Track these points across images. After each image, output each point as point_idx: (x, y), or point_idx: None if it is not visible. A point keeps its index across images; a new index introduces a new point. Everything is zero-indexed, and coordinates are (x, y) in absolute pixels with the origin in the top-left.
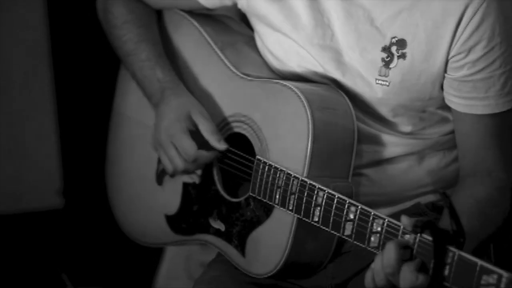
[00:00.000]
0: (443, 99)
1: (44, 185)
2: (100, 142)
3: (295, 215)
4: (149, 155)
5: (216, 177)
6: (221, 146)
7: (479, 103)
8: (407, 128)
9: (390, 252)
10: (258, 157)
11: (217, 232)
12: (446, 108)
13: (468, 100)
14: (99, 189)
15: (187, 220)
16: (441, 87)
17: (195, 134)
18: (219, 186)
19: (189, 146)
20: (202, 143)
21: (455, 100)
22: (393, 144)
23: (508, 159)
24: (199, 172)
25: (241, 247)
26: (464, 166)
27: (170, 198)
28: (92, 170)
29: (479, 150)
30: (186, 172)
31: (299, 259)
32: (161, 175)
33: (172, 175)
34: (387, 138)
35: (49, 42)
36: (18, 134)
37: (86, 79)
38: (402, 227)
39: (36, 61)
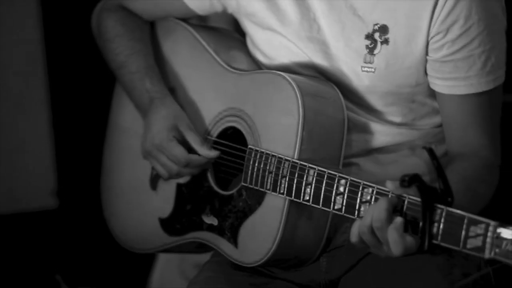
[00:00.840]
0: (429, 85)
1: (39, 185)
2: (93, 143)
3: (287, 197)
4: (143, 163)
5: (208, 173)
6: (213, 153)
7: (461, 83)
8: (397, 118)
9: (380, 207)
10: (250, 146)
11: (210, 227)
12: (435, 97)
13: (450, 81)
14: (93, 189)
15: (181, 220)
16: (426, 72)
17: (183, 142)
18: (211, 182)
19: (178, 151)
20: (191, 148)
21: (438, 83)
22: (383, 133)
23: (495, 138)
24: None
25: (234, 239)
26: (451, 148)
27: (164, 201)
28: (86, 170)
29: (465, 131)
30: (180, 175)
31: (292, 244)
32: (155, 180)
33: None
34: (377, 127)
35: (44, 45)
36: (12, 135)
37: (80, 80)
38: (391, 192)
39: (31, 64)
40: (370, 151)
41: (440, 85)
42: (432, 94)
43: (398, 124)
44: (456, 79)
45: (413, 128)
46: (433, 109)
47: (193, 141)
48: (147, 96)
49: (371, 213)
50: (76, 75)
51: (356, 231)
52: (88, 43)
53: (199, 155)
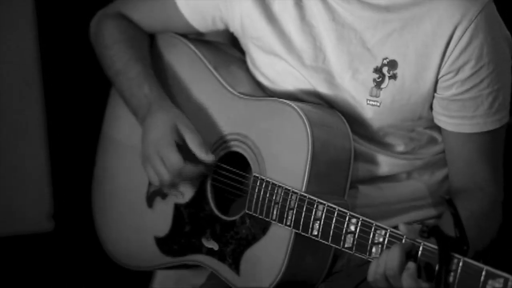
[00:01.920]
0: (432, 119)
1: (35, 208)
2: (90, 166)
3: (294, 230)
4: (139, 178)
5: (209, 196)
6: (208, 158)
7: (467, 122)
8: (399, 148)
9: (394, 253)
10: (255, 174)
11: (210, 252)
12: (435, 128)
13: (457, 119)
14: (89, 212)
15: (179, 241)
16: (430, 107)
17: (182, 148)
18: (212, 205)
19: (174, 159)
20: (189, 157)
21: (444, 119)
22: (386, 164)
23: (499, 174)
24: (191, 192)
25: (236, 266)
26: (455, 183)
27: (161, 219)
28: (82, 193)
29: (470, 167)
30: (172, 185)
31: (295, 276)
32: (151, 197)
33: (161, 193)
34: (380, 157)
35: (40, 62)
36: (8, 157)
37: (77, 102)
38: (404, 236)
39: (27, 83)
40: (373, 179)
41: (446, 122)
42: (432, 125)
43: (400, 153)
44: (463, 117)
45: (415, 157)
46: (432, 138)
47: (192, 141)
48: (146, 101)
49: (384, 260)
50: (72, 97)
51: (372, 273)
52: (84, 60)
53: (194, 165)
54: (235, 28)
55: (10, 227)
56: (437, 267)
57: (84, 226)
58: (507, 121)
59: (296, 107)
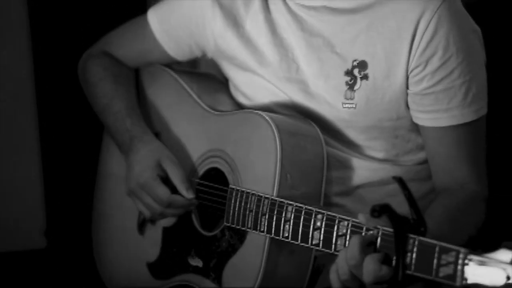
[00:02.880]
0: (412, 119)
1: (27, 225)
2: (82, 184)
3: (267, 235)
4: (131, 208)
5: (193, 215)
6: (189, 195)
7: (443, 115)
8: (379, 153)
9: (353, 245)
10: (231, 186)
11: (196, 269)
12: (419, 133)
13: (432, 113)
14: (81, 229)
15: (167, 263)
16: (407, 105)
17: (166, 181)
18: (196, 223)
19: (161, 192)
20: (173, 190)
21: (420, 116)
22: (364, 168)
23: (481, 170)
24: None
25: (218, 279)
26: (437, 182)
27: (151, 245)
28: (75, 211)
29: (449, 163)
30: (164, 216)
31: (275, 281)
32: (142, 224)
33: (151, 219)
34: (359, 162)
35: (34, 82)
36: (1, 173)
37: (69, 122)
38: (365, 225)
39: (20, 101)
40: (353, 189)
41: (422, 118)
42: (416, 129)
43: (381, 160)
44: (438, 111)
45: (396, 164)
46: (417, 145)
47: (174, 176)
48: (128, 136)
49: (344, 253)
50: (66, 118)
51: (335, 278)
52: (77, 87)
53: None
54: (211, 52)
55: (2, 244)
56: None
57: (76, 244)
58: (484, 113)
59: (264, 115)
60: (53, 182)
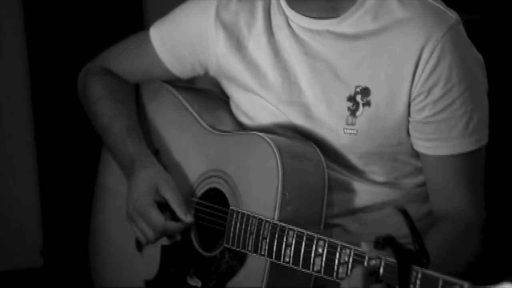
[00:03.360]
0: (412, 145)
1: (23, 243)
2: (80, 203)
3: (268, 258)
4: (129, 224)
5: (192, 234)
6: (187, 219)
7: (443, 144)
8: (380, 177)
9: (356, 274)
10: (231, 207)
11: None
12: (418, 157)
13: (433, 142)
14: (78, 248)
15: (166, 282)
16: (408, 132)
17: (164, 206)
18: (195, 243)
19: (156, 219)
20: (171, 213)
21: (420, 143)
22: (365, 192)
23: (479, 199)
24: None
25: None
26: (435, 209)
27: (150, 263)
28: (72, 229)
29: (448, 191)
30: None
31: None
32: (140, 242)
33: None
34: (360, 186)
35: (31, 103)
36: None
37: (67, 138)
38: (367, 254)
39: (17, 117)
40: (354, 211)
41: (423, 146)
42: (415, 153)
43: (381, 183)
44: (439, 140)
45: (396, 187)
46: (416, 168)
47: (172, 201)
48: (128, 158)
49: (347, 282)
50: (63, 134)
51: None
52: (75, 104)
53: (176, 221)
54: (214, 71)
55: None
56: (397, 283)
57: (73, 262)
58: (485, 143)
59: (265, 137)
60: (50, 201)
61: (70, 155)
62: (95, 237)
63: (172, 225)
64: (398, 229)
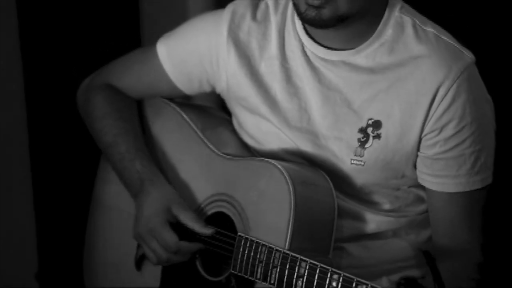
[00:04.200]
0: (416, 178)
1: (18, 267)
2: (76, 226)
3: None
4: (128, 242)
5: (197, 257)
6: (207, 231)
7: (451, 181)
8: (385, 206)
9: None
10: (240, 233)
11: None
12: (420, 186)
13: (440, 178)
14: (74, 272)
15: None
16: (414, 166)
17: (176, 226)
18: (199, 267)
19: (169, 238)
20: (183, 234)
21: (427, 179)
22: (370, 220)
23: (479, 235)
24: None
25: None
26: (437, 241)
27: (149, 283)
28: (68, 252)
29: (452, 227)
30: (169, 262)
31: None
32: (140, 260)
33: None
34: (367, 214)
35: (27, 127)
36: None
37: (63, 157)
38: None
39: (13, 137)
40: (359, 237)
41: (429, 182)
42: (417, 184)
43: (386, 211)
44: (447, 176)
45: (400, 215)
46: (419, 197)
47: (188, 219)
48: (138, 177)
49: None
50: (59, 153)
51: None
52: (72, 122)
53: (189, 241)
54: (221, 89)
55: None
56: None
57: (68, 286)
58: (489, 183)
59: (278, 166)
60: (46, 223)
61: (67, 177)
62: (92, 255)
63: (186, 245)
64: (398, 253)
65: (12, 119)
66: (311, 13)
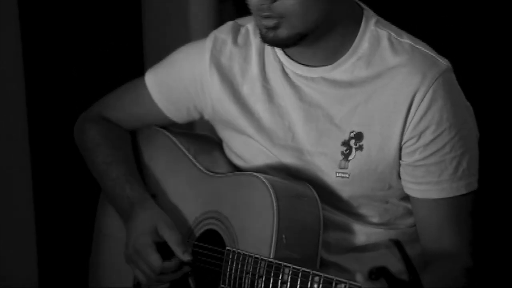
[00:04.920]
0: (403, 189)
1: (19, 267)
2: (77, 224)
3: None
4: (126, 268)
5: (189, 276)
6: (185, 257)
7: (433, 188)
8: (374, 218)
9: None
10: (227, 247)
11: None
12: (409, 200)
13: (423, 185)
14: (74, 272)
15: None
16: (399, 176)
17: (162, 246)
18: (192, 284)
19: (153, 260)
20: (170, 254)
21: (411, 187)
22: (360, 232)
23: (469, 241)
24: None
25: None
26: (427, 252)
27: None
28: (68, 253)
29: (439, 233)
30: (161, 282)
31: None
32: (138, 286)
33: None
34: (354, 226)
35: (27, 117)
36: None
37: (63, 156)
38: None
39: (13, 138)
40: (349, 250)
41: (413, 189)
42: (405, 196)
43: (375, 224)
44: (429, 183)
45: (390, 227)
46: (408, 210)
47: (170, 240)
48: (127, 202)
49: None
50: (59, 152)
51: None
52: (73, 122)
53: (176, 261)
54: (209, 114)
55: None
56: None
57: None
58: (474, 189)
59: (260, 177)
60: (46, 224)
61: (67, 180)
62: (93, 282)
63: (169, 265)
64: (393, 266)
65: (13, 120)
66: (269, 34)
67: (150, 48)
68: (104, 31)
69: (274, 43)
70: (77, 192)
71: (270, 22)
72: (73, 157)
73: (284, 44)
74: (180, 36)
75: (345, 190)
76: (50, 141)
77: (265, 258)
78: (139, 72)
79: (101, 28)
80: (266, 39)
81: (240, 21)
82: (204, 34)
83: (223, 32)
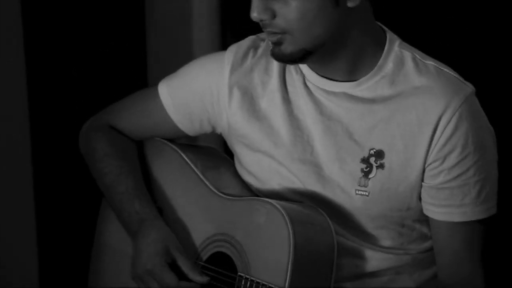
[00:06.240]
0: (421, 210)
1: (19, 267)
2: (77, 224)
3: None
4: (127, 283)
5: None
6: (203, 279)
7: (455, 211)
8: (386, 242)
9: None
10: (239, 273)
11: None
12: (425, 222)
13: (445, 208)
14: (74, 272)
15: None
16: (419, 197)
17: (174, 267)
18: None
19: (169, 278)
20: (182, 275)
21: (432, 209)
22: (372, 258)
23: (481, 266)
24: None
25: None
26: (442, 275)
27: None
28: (68, 253)
29: (457, 257)
30: None
31: None
32: None
33: None
34: (368, 252)
35: (29, 117)
36: None
37: (64, 156)
38: None
39: (14, 138)
40: (360, 276)
41: (434, 212)
42: (421, 219)
43: (388, 248)
44: (451, 206)
45: (402, 252)
46: (422, 234)
47: (184, 265)
48: (137, 218)
49: None
50: (60, 152)
51: None
52: (74, 122)
53: (189, 280)
54: (222, 129)
55: None
56: None
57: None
58: (494, 213)
59: (277, 205)
60: (46, 224)
61: (67, 181)
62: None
63: (186, 285)
64: None
65: (14, 121)
66: (275, 50)
67: (153, 49)
68: (107, 32)
69: (279, 58)
70: (77, 192)
71: (274, 38)
72: (74, 158)
73: (289, 60)
74: (182, 37)
75: (363, 209)
76: (52, 142)
77: None
78: (142, 73)
79: (103, 29)
80: (273, 55)
81: (262, 35)
82: (207, 35)
83: (244, 45)
